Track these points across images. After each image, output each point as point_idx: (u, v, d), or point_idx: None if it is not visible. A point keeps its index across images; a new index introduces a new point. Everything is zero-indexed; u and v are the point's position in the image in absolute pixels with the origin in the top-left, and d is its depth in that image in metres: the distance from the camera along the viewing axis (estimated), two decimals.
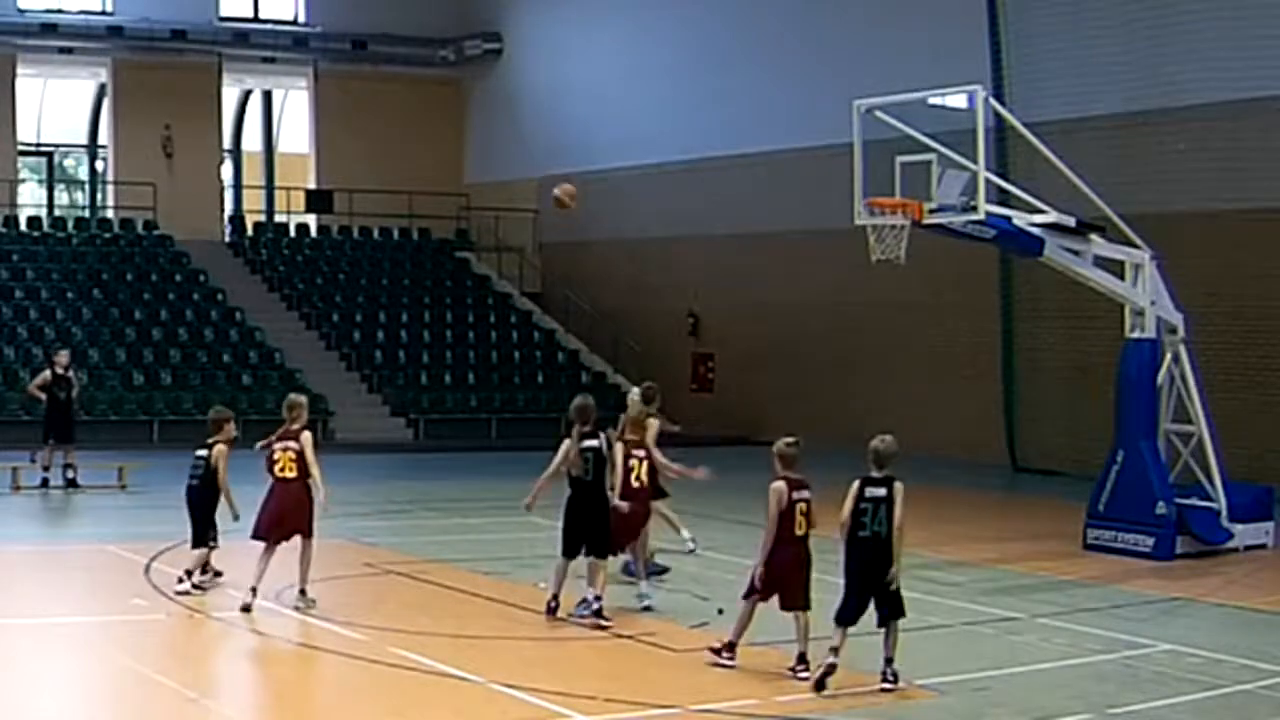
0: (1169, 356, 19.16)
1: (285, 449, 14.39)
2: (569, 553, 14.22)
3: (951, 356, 30.18)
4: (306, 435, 14.40)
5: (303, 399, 15.00)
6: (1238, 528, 19.13)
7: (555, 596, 14.29)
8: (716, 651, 12.44)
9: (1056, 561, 18.24)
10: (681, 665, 12.76)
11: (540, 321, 40.24)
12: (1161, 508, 18.52)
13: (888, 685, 11.84)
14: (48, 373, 24.76)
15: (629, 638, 13.46)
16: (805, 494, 12.24)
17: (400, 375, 36.51)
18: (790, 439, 12.48)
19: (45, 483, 23.70)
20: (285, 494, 14.45)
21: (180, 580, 15.21)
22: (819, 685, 11.70)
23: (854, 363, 32.68)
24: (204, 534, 15.41)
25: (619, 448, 14.24)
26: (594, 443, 14.23)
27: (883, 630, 11.99)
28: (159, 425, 32.67)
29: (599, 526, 14.11)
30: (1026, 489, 27.23)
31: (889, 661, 11.95)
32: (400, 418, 35.00)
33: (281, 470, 14.40)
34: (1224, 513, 19.08)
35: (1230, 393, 22.86)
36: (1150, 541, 18.47)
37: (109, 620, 14.14)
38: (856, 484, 12.00)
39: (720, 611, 14.46)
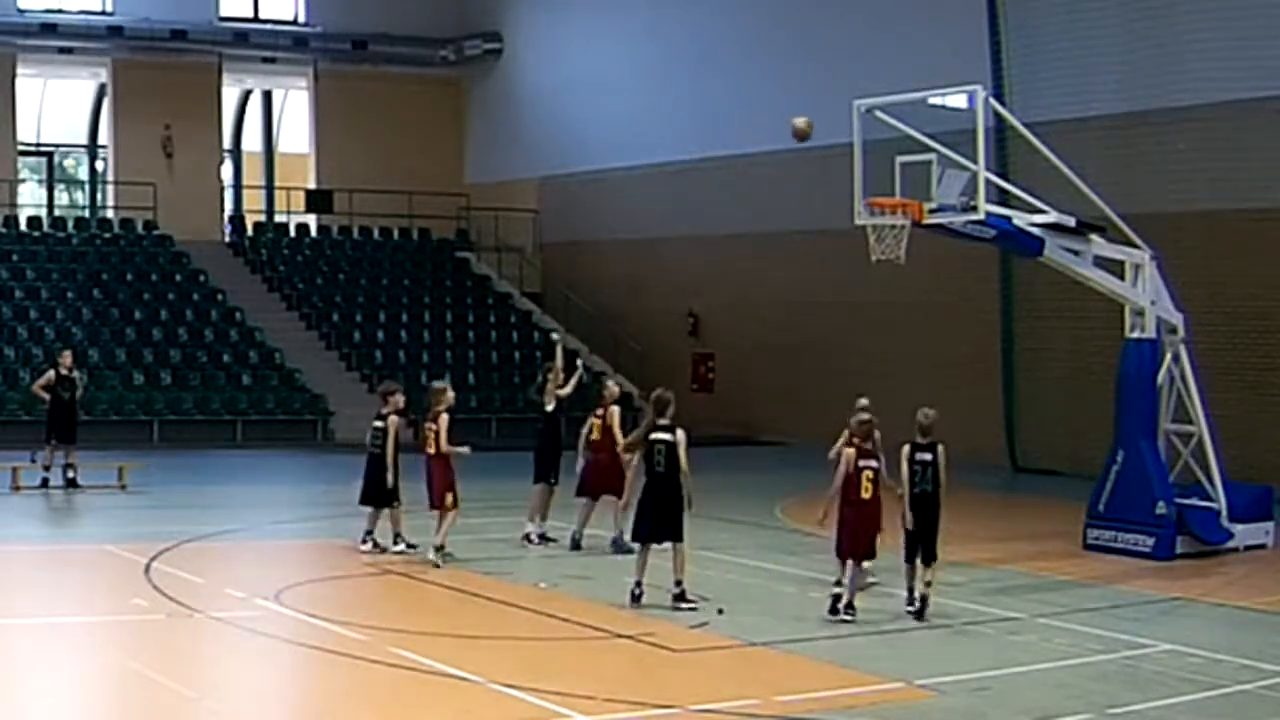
0: (1169, 356, 19.15)
1: (429, 428, 17.20)
2: (645, 540, 14.83)
3: (952, 356, 30.17)
4: (444, 418, 17.01)
5: (442, 384, 17.71)
6: (1238, 528, 19.11)
7: (639, 584, 14.78)
8: (835, 611, 14.23)
9: (1056, 561, 18.23)
10: (681, 665, 12.76)
11: (540, 321, 40.22)
12: (1161, 508, 18.51)
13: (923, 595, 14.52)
14: (52, 372, 24.74)
15: (629, 638, 13.46)
16: (872, 463, 14.32)
17: (400, 375, 36.41)
18: (864, 418, 14.48)
19: (45, 483, 23.70)
20: (429, 467, 17.23)
21: (396, 541, 17.75)
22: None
23: (854, 363, 32.63)
24: (390, 496, 17.86)
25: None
26: (667, 436, 14.67)
27: (921, 565, 14.55)
28: (159, 425, 32.68)
29: (673, 514, 14.66)
30: (1026, 489, 27.23)
31: (928, 584, 14.53)
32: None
33: (428, 446, 17.20)
34: (1224, 513, 19.07)
35: (1230, 393, 22.86)
36: (1150, 541, 18.45)
37: (109, 620, 14.14)
38: (907, 449, 14.52)
39: (720, 611, 14.47)
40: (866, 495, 14.24)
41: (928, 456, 14.49)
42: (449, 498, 16.98)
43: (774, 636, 13.56)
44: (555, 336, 19.67)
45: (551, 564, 17.54)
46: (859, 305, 32.21)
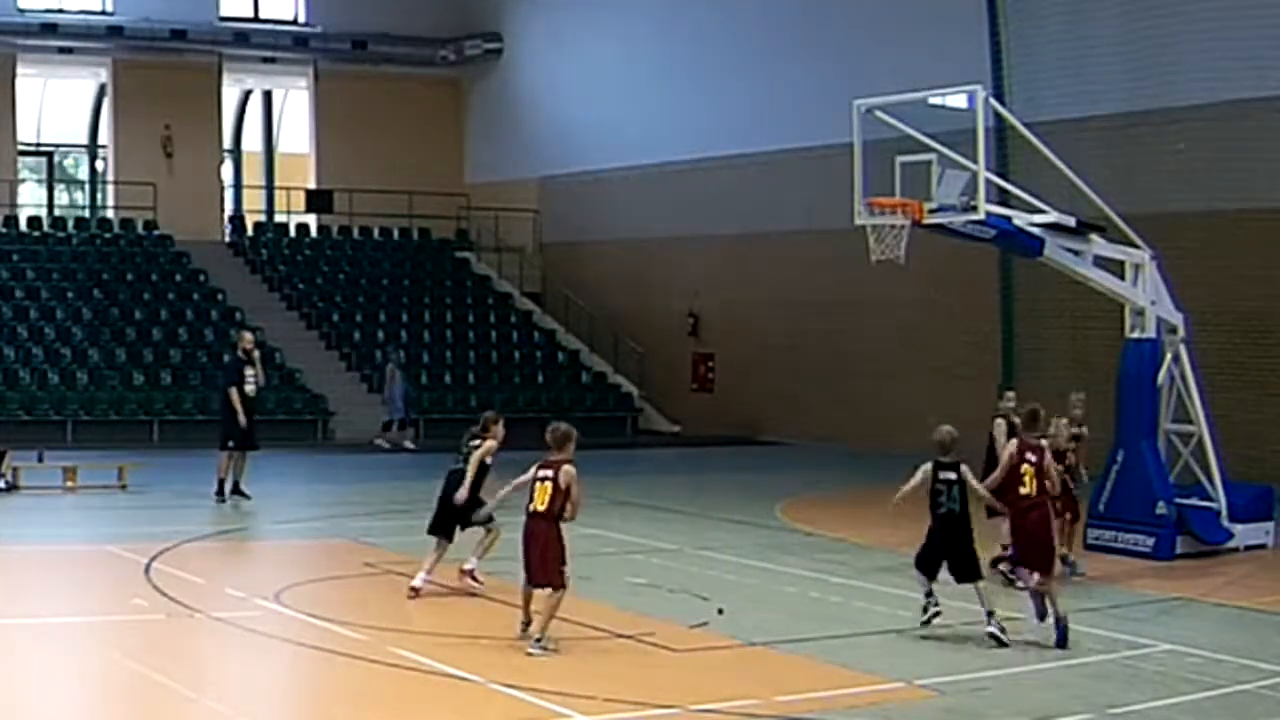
0: (1169, 356, 19.14)
1: (544, 478, 13.08)
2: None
3: (951, 356, 30.17)
4: (567, 468, 12.92)
5: (566, 426, 13.37)
6: (1238, 528, 19.10)
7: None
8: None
9: (1057, 562, 18.20)
10: (681, 665, 12.75)
11: (540, 321, 40.26)
12: (1161, 508, 18.50)
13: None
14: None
15: (629, 638, 13.45)
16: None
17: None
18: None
19: (233, 489, 22.48)
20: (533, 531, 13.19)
21: None
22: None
23: (853, 363, 32.68)
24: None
25: (1010, 448, 14.06)
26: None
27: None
28: (159, 425, 32.66)
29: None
30: None
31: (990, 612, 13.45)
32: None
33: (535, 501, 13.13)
34: (1224, 513, 19.06)
35: (1230, 393, 22.84)
36: (1150, 541, 18.45)
37: (109, 620, 14.14)
38: (929, 466, 13.56)
39: (720, 611, 14.46)
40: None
41: (952, 475, 13.51)
42: (564, 573, 12.92)
43: (774, 636, 13.56)
44: None
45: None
46: (859, 305, 32.20)
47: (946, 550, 13.48)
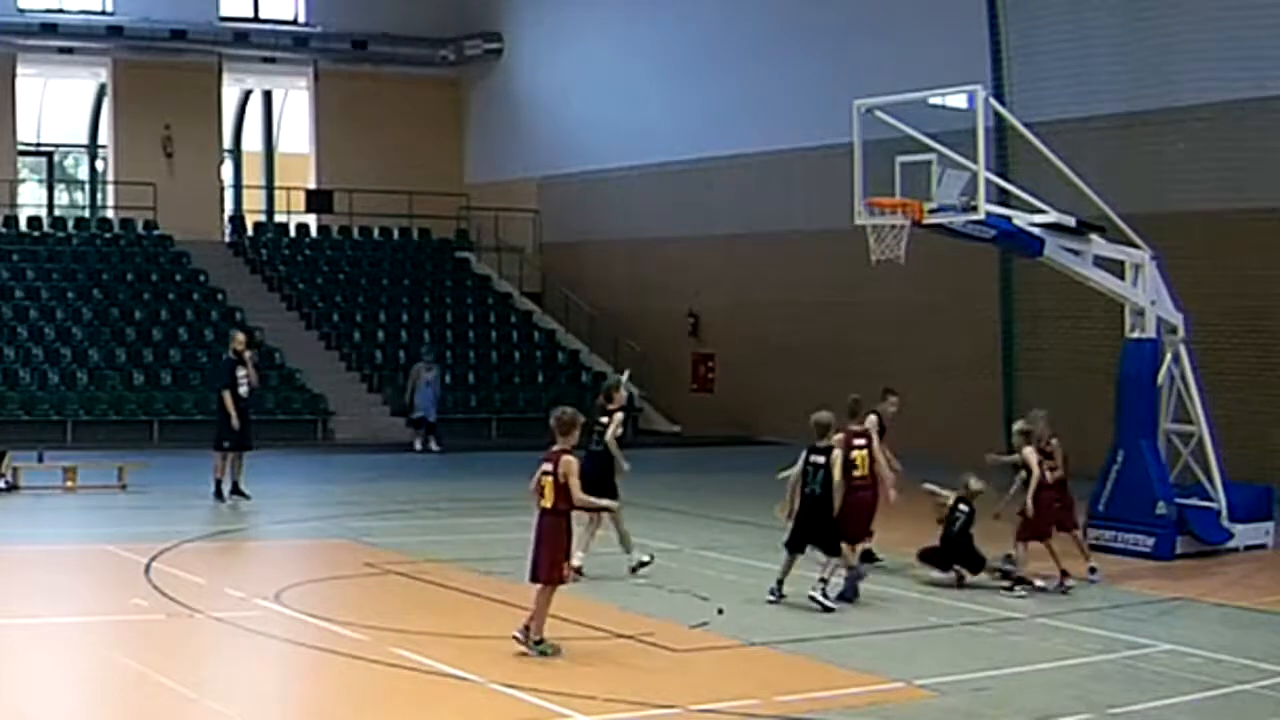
0: (1169, 356, 19.15)
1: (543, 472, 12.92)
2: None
3: (951, 357, 30.15)
4: (569, 460, 12.77)
5: (571, 411, 13.24)
6: (1238, 528, 19.11)
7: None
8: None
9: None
10: (681, 665, 12.75)
11: (540, 321, 40.24)
12: (1161, 508, 18.51)
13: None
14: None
15: (629, 638, 13.46)
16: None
17: (400, 375, 36.44)
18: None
19: (232, 489, 22.54)
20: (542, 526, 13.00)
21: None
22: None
23: (854, 363, 32.62)
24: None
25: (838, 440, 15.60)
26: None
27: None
28: (159, 425, 32.65)
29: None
30: None
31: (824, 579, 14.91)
32: (400, 417, 34.96)
33: (543, 498, 12.91)
34: (1224, 513, 19.07)
35: (1230, 393, 22.83)
36: (1150, 541, 18.46)
37: (109, 620, 14.14)
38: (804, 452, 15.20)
39: (720, 611, 14.47)
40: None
41: (821, 460, 15.09)
42: (565, 568, 12.88)
43: (774, 636, 13.57)
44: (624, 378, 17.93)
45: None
46: (859, 305, 32.19)
47: (812, 527, 14.87)
